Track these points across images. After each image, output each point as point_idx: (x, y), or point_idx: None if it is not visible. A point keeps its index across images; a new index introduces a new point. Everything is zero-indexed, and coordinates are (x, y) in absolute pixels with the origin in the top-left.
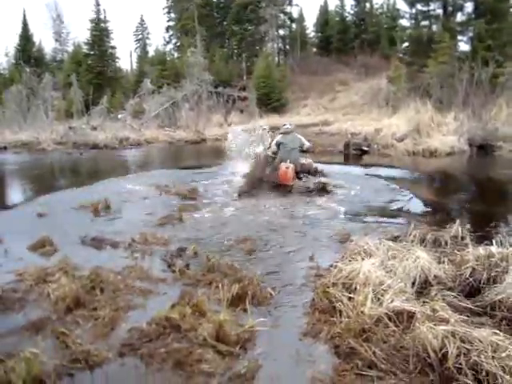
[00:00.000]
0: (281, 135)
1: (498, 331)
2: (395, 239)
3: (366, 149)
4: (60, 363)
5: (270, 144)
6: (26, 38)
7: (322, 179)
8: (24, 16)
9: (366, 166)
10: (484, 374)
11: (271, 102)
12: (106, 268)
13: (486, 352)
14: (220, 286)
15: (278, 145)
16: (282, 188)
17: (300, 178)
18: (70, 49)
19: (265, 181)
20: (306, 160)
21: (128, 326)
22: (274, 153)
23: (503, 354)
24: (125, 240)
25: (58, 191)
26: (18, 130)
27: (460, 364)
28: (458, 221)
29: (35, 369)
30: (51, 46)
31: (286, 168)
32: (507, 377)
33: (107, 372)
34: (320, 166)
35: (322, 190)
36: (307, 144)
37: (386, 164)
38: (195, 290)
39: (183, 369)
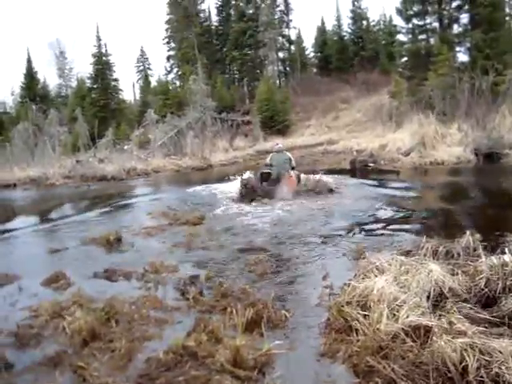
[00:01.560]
0: (274, 153)
1: None
2: (407, 253)
3: (372, 165)
4: None
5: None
6: (30, 75)
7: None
8: (28, 54)
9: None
10: None
11: (275, 124)
12: (120, 299)
13: (506, 363)
14: (234, 311)
15: (271, 161)
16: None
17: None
18: (74, 84)
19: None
20: (293, 173)
21: (145, 357)
22: (267, 165)
23: None
24: (137, 270)
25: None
26: (26, 167)
27: (481, 377)
28: (468, 231)
29: None
30: (55, 83)
31: (290, 176)
32: None
33: None
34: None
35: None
36: (294, 162)
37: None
38: (210, 317)
39: None
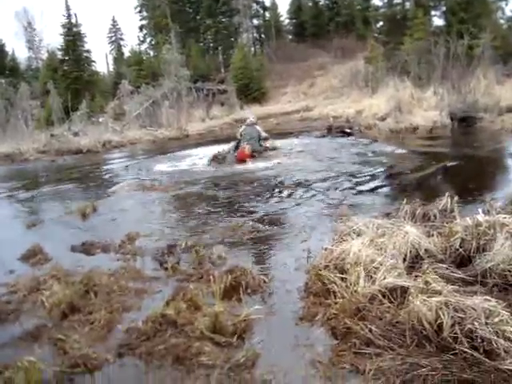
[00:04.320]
0: (244, 126)
1: (489, 298)
2: (386, 216)
3: (348, 131)
4: (59, 369)
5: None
6: None
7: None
8: None
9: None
10: (479, 340)
11: (251, 92)
12: (98, 271)
13: (479, 319)
14: (212, 278)
15: (241, 133)
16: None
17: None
18: (45, 56)
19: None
20: (268, 143)
21: (124, 327)
22: (238, 138)
23: (496, 319)
24: (115, 242)
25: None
26: None
27: (455, 333)
28: (446, 194)
29: (34, 377)
30: (25, 55)
31: (243, 148)
32: (501, 341)
33: (107, 374)
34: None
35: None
36: (264, 134)
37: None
38: (188, 285)
39: (183, 363)
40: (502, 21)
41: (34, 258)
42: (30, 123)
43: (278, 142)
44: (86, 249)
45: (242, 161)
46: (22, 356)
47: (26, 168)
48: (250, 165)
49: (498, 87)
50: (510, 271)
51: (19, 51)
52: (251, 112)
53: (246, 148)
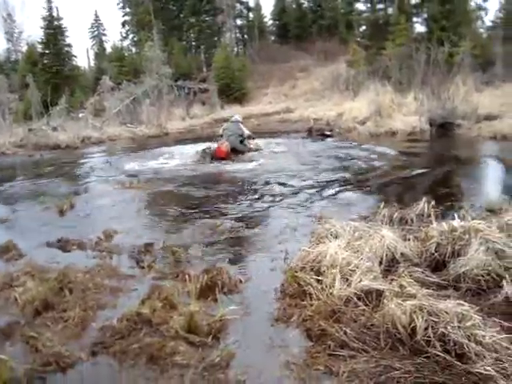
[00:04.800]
0: (228, 123)
1: (463, 302)
2: (364, 219)
3: (328, 133)
4: (31, 367)
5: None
6: None
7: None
8: None
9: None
10: (451, 343)
11: (232, 92)
12: (73, 268)
13: (452, 323)
14: (188, 277)
15: (223, 129)
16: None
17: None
18: (24, 49)
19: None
20: (253, 143)
21: (99, 325)
22: (221, 135)
23: (468, 324)
24: (91, 239)
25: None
26: None
27: (428, 336)
28: (424, 198)
29: (4, 375)
30: (3, 47)
31: (221, 144)
32: (473, 344)
33: (80, 372)
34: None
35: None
36: (246, 132)
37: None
38: (165, 284)
39: (157, 363)
40: (481, 30)
41: (8, 253)
42: (8, 117)
43: (261, 143)
44: (62, 245)
45: (219, 158)
46: None
47: (2, 162)
48: (230, 165)
49: (477, 95)
50: (483, 276)
51: None
52: (238, 114)
53: (224, 145)
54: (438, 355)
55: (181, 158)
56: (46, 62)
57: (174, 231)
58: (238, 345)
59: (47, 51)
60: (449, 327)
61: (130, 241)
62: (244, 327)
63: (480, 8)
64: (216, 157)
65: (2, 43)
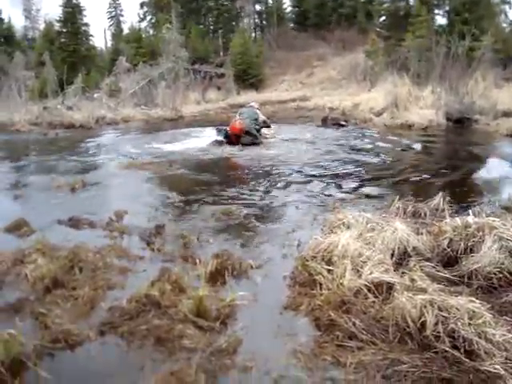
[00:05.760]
0: (244, 108)
1: (474, 299)
2: (378, 211)
3: (343, 123)
4: (40, 343)
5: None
6: None
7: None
8: None
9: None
10: (461, 340)
11: (248, 78)
12: (84, 247)
13: (462, 319)
14: (198, 261)
15: (239, 114)
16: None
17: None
18: (42, 26)
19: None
20: (269, 132)
21: (108, 305)
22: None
23: (479, 321)
24: (102, 219)
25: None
26: None
27: (438, 332)
28: (440, 193)
29: (14, 350)
30: (21, 24)
31: (235, 121)
32: (483, 342)
33: (88, 351)
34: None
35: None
36: (262, 117)
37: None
38: (174, 267)
39: (164, 345)
40: (504, 24)
41: (20, 230)
42: (24, 94)
43: (275, 129)
44: (73, 224)
45: (233, 134)
46: (2, 328)
47: (17, 139)
48: (245, 151)
49: (496, 91)
50: (495, 274)
51: (16, 19)
52: (255, 101)
53: (238, 122)
54: (446, 351)
55: (195, 141)
56: (63, 40)
57: (186, 215)
58: (245, 331)
59: (65, 30)
60: (459, 323)
61: (141, 222)
62: (252, 313)
63: (504, 1)
64: (230, 133)
65: (20, 20)
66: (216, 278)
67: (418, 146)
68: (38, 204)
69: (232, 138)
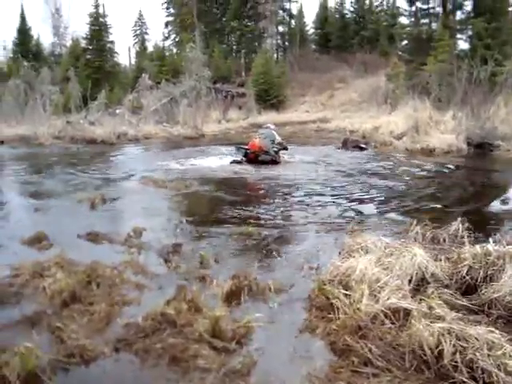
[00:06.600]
0: (262, 129)
1: (493, 329)
2: (395, 236)
3: (363, 146)
4: (55, 358)
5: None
6: (23, 32)
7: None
8: (22, 10)
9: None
10: (479, 371)
11: (270, 98)
12: (102, 263)
13: (481, 350)
14: (215, 281)
15: (259, 134)
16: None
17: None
18: (69, 43)
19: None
20: (284, 156)
21: (124, 321)
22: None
23: (499, 352)
24: (121, 234)
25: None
26: (15, 125)
27: (456, 361)
28: (459, 219)
29: (30, 363)
30: (49, 41)
31: (254, 139)
32: (502, 374)
33: (102, 367)
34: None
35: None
36: (278, 138)
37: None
38: (191, 286)
39: (179, 364)
40: None
41: (39, 243)
42: (48, 108)
43: (293, 150)
44: (92, 238)
45: (252, 152)
46: (19, 340)
47: (41, 152)
48: (263, 171)
49: None
50: None
51: (44, 36)
52: (271, 123)
53: (257, 140)
54: (464, 382)
55: (215, 160)
56: (88, 57)
57: (204, 233)
58: (260, 352)
59: (90, 47)
60: (478, 354)
61: (159, 240)
62: (268, 335)
63: None
64: (250, 151)
65: (49, 37)
66: (233, 298)
67: (438, 172)
68: (58, 217)
69: (251, 157)
